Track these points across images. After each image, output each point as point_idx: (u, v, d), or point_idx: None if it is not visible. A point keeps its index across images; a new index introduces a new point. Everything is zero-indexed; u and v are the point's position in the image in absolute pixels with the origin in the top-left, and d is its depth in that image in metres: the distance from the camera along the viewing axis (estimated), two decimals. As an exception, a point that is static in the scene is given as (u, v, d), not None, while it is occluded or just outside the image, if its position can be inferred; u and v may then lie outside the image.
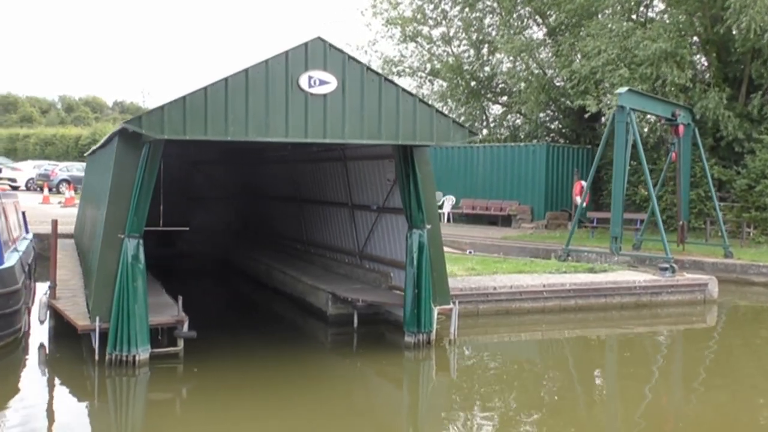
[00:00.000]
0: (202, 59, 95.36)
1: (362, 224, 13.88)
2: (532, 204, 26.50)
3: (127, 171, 9.25)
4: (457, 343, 11.19)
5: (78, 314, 9.91)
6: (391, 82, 9.30)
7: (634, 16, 27.08)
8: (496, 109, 36.28)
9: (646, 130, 23.42)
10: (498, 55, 31.41)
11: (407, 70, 35.46)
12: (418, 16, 33.02)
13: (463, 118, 35.95)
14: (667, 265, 15.50)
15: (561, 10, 27.06)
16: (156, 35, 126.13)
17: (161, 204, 22.21)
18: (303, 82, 8.81)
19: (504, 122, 34.46)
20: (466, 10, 32.60)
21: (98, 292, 9.31)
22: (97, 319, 9.21)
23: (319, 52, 8.89)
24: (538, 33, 31.09)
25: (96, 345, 9.24)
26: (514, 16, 29.99)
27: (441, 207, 28.96)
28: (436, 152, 30.39)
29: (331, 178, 14.94)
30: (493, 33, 31.16)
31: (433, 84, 35.81)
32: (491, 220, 27.46)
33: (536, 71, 29.31)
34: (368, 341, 11.57)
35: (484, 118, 35.75)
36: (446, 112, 35.64)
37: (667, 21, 24.51)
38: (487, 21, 32.13)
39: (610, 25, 24.59)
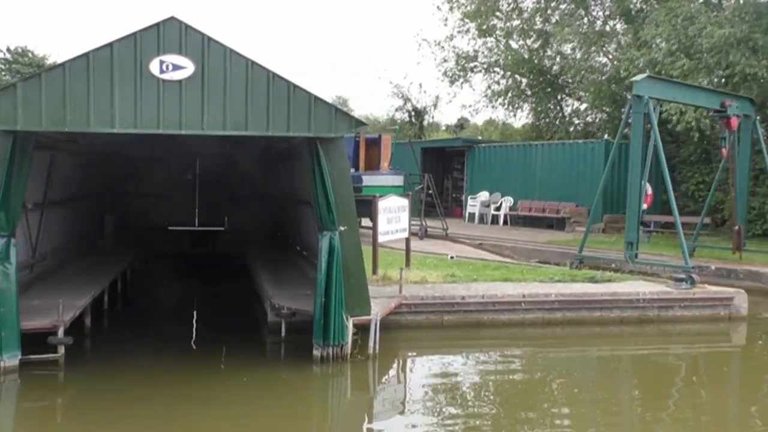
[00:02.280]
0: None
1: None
2: (590, 206, 24.37)
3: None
4: (378, 358, 10.01)
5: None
6: (262, 66, 8.31)
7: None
8: (575, 105, 34.16)
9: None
10: (561, 47, 29.47)
11: (480, 65, 34.09)
12: (485, 9, 31.55)
13: (542, 115, 34.23)
14: (683, 276, 13.52)
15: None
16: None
17: (197, 203, 22.29)
18: (154, 67, 8.03)
19: (577, 119, 32.31)
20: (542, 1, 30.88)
21: (-32, 294, 8.90)
22: (-34, 322, 8.82)
23: (174, 34, 8.08)
24: (610, 24, 28.91)
25: (-35, 349, 8.86)
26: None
27: (498, 209, 27.40)
28: (493, 151, 28.93)
29: (299, 175, 14.09)
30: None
31: (507, 80, 34.18)
32: (549, 223, 25.61)
33: (601, 62, 27.18)
34: (290, 352, 10.57)
35: (560, 114, 33.71)
36: (518, 108, 34.43)
37: (741, 1, 21.85)
38: (556, 13, 30.22)
39: (678, 8, 22.19)
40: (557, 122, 33.61)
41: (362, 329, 10.10)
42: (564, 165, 25.46)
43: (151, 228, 20.28)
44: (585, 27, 27.96)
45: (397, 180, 22.05)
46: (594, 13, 29.42)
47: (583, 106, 33.29)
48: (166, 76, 8.07)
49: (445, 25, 37.44)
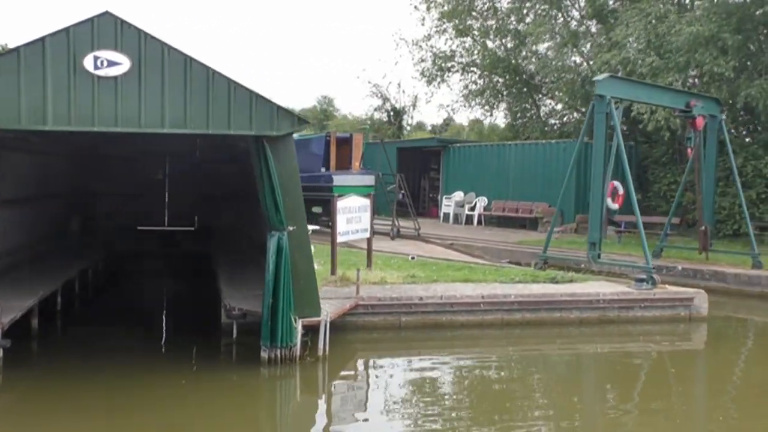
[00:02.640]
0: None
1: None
2: (563, 206, 24.33)
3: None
4: (329, 360, 9.86)
5: None
6: (201, 62, 8.14)
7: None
8: (551, 105, 34.16)
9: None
10: (536, 47, 29.46)
11: (458, 65, 34.03)
12: (462, 9, 31.50)
13: (519, 114, 34.18)
14: (644, 276, 13.46)
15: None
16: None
17: (166, 202, 21.93)
18: (88, 63, 7.84)
19: (553, 119, 32.33)
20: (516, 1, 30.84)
21: None
22: None
23: (109, 30, 7.90)
24: (585, 24, 28.89)
25: None
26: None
27: (472, 209, 27.31)
28: (468, 151, 28.84)
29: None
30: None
31: (484, 80, 34.13)
32: (522, 223, 25.56)
33: (574, 62, 27.16)
34: (241, 354, 10.38)
35: (536, 114, 33.69)
36: (494, 108, 34.40)
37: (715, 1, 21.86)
38: (531, 13, 30.19)
39: (648, 8, 22.17)
40: (534, 122, 33.62)
41: (313, 331, 9.95)
42: (537, 165, 25.44)
43: (119, 228, 20.00)
44: (559, 27, 27.95)
45: (368, 180, 21.89)
46: (569, 14, 29.43)
47: (559, 106, 33.28)
48: (100, 72, 7.88)
49: (423, 24, 37.53)
